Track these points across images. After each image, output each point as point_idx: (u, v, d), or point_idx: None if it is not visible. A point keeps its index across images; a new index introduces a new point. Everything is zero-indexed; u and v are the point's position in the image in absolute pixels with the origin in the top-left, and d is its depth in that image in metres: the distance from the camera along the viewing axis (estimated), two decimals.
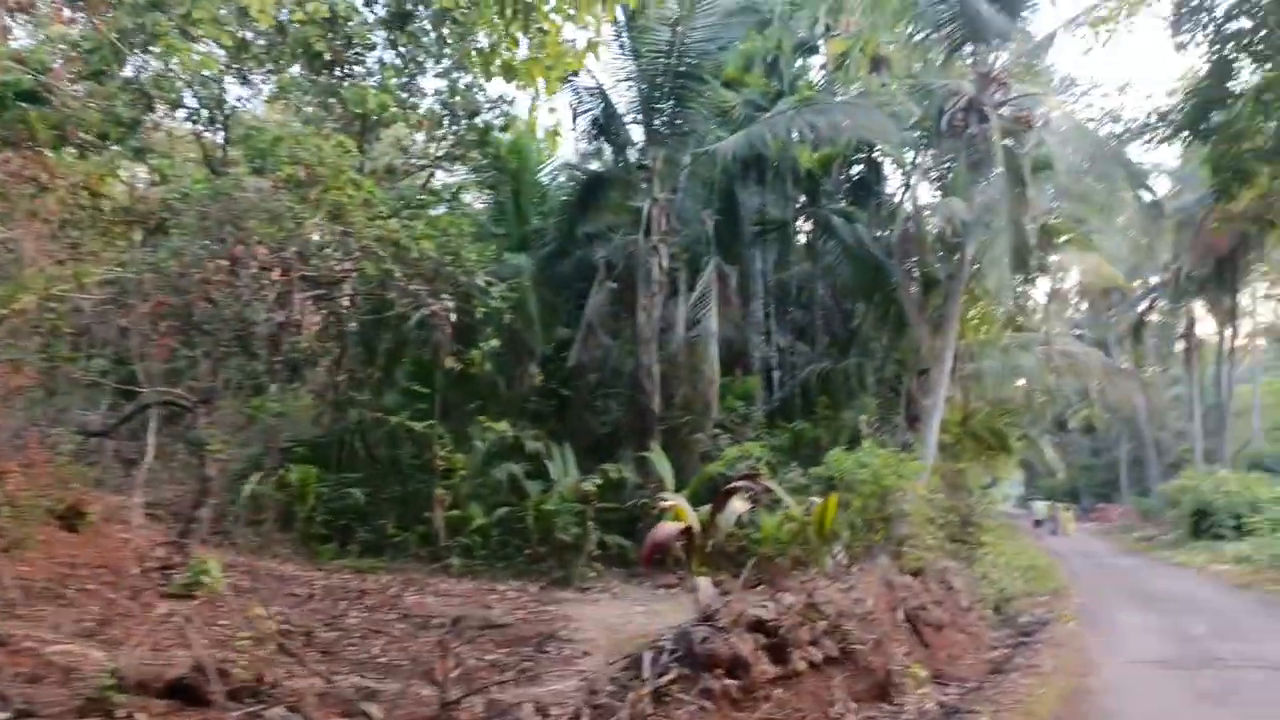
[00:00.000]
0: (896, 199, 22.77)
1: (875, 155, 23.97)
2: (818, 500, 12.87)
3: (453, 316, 13.64)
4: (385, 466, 17.61)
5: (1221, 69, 9.24)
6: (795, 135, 21.39)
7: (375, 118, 17.54)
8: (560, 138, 9.62)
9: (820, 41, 25.89)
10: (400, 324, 16.79)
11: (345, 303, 14.01)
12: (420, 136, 21.83)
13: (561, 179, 24.96)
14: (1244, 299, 37.90)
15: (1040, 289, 37.19)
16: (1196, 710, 8.06)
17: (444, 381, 17.26)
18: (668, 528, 10.12)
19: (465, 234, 15.83)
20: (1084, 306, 47.56)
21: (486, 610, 11.40)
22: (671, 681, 6.84)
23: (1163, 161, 33.98)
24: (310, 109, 17.59)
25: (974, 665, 11.13)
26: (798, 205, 22.58)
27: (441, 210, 19.01)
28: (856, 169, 24.96)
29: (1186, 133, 10.13)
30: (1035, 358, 21.02)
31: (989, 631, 13.34)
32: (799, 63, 25.90)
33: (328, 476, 16.30)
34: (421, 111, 19.10)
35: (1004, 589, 16.68)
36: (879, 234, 21.01)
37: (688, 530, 10.21)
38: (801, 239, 25.26)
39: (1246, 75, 9.42)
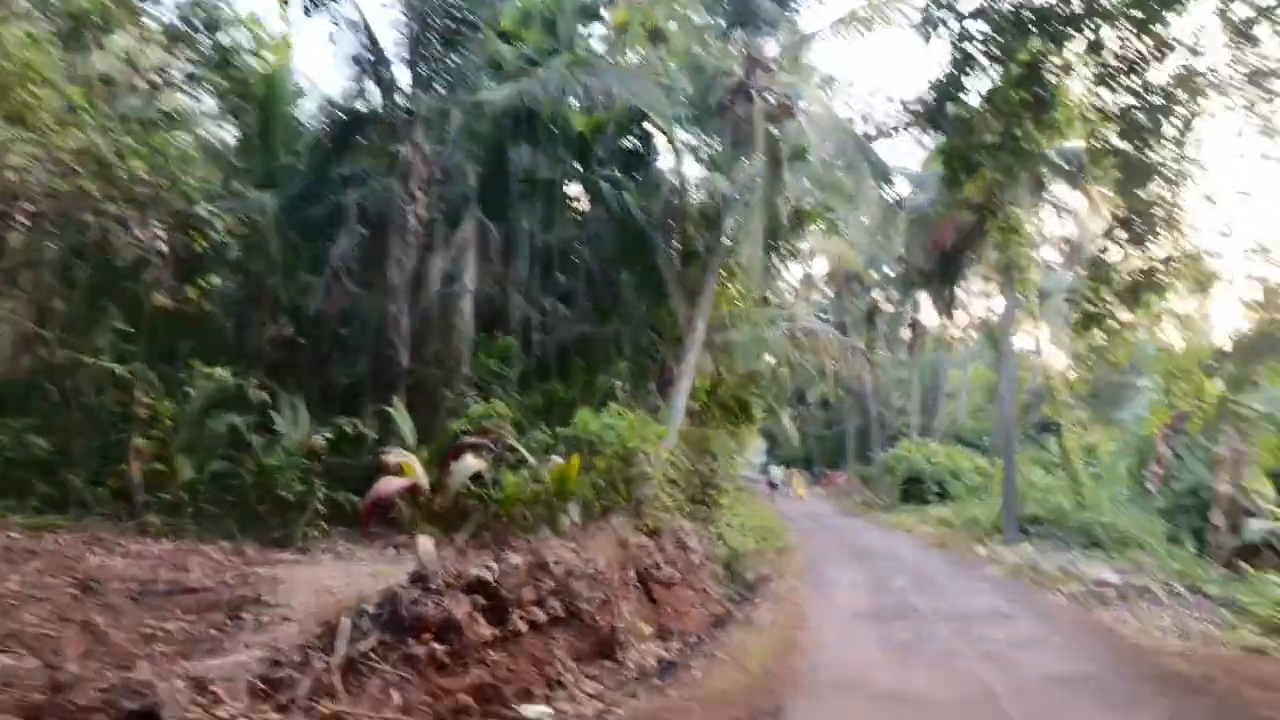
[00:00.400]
0: (664, 171, 23.02)
1: (647, 126, 24.09)
2: (561, 460, 12.75)
3: (164, 247, 12.05)
4: (87, 414, 15.51)
5: (960, 65, 9.83)
6: (572, 101, 21.12)
7: (93, 19, 15.28)
8: (291, 48, 8.62)
9: (603, 8, 25.64)
10: (107, 253, 14.77)
11: (27, 222, 11.97)
12: (156, 52, 19.38)
13: (319, 116, 23.19)
14: (961, 294, 42.25)
15: (792, 272, 39.57)
16: (890, 659, 8.62)
17: (162, 322, 15.45)
18: (390, 484, 9.49)
19: (189, 158, 14.11)
20: (829, 292, 51.15)
21: (183, 573, 10.24)
22: (371, 649, 6.35)
23: (904, 164, 36.83)
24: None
25: (700, 620, 11.43)
26: (567, 168, 22.23)
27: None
28: (629, 139, 25.03)
29: (926, 122, 10.72)
30: (781, 333, 22.10)
31: (717, 588, 13.80)
32: (580, 28, 25.50)
33: (6, 423, 14.07)
34: (155, 25, 16.95)
35: (736, 548, 17.45)
36: (645, 204, 21.14)
37: (414, 487, 9.63)
38: (570, 203, 25.07)
39: (982, 74, 10.08)
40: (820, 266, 47.27)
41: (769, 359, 27.67)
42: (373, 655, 6.31)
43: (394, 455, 10.43)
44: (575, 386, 19.97)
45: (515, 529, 10.84)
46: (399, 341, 17.19)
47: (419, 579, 7.16)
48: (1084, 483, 21.75)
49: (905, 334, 45.52)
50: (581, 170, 21.92)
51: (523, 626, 7.95)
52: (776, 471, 44.69)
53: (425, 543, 8.60)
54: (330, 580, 10.83)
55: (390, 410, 15.74)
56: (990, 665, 8.22)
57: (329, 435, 14.24)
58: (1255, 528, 16.28)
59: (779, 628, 10.27)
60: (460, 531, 11.07)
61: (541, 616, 8.35)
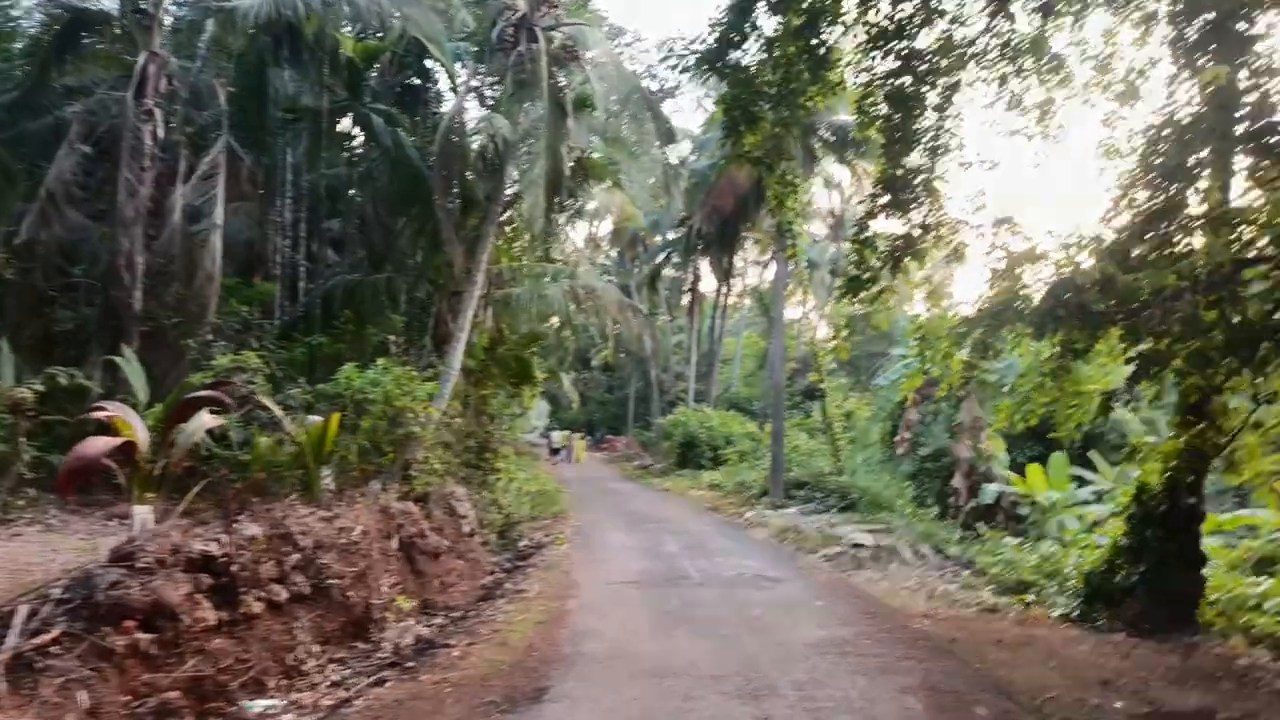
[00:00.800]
0: (445, 111, 21.70)
1: (427, 63, 22.67)
2: (320, 420, 11.60)
3: None
4: None
5: (740, 10, 9.65)
6: (345, 26, 19.33)
7: None
8: None
9: None
10: None
11: None
12: None
13: (38, 13, 19.98)
14: (738, 261, 43.75)
15: (577, 231, 39.26)
16: (659, 628, 8.41)
17: None
18: (95, 444, 8.07)
19: None
20: (613, 253, 51.45)
21: None
22: (53, 640, 5.23)
23: (687, 127, 37.30)
24: None
25: (468, 592, 10.85)
26: (336, 98, 20.38)
27: None
28: (408, 74, 23.48)
29: (707, 66, 10.48)
30: (562, 290, 21.61)
31: (489, 556, 13.27)
32: None
33: None
34: None
35: (510, 514, 16.95)
36: (423, 144, 19.82)
37: (130, 447, 8.28)
38: (342, 139, 23.22)
39: (764, 23, 9.98)
40: (605, 227, 47.33)
41: (554, 320, 27.22)
42: (55, 649, 5.19)
43: (107, 410, 8.90)
44: (343, 340, 18.53)
45: (262, 496, 9.66)
46: (130, 281, 15.07)
47: (123, 556, 6.03)
48: (842, 448, 23.05)
49: (685, 299, 46.64)
50: (352, 102, 20.16)
51: (258, 607, 7.00)
52: (558, 435, 44.57)
53: (142, 512, 7.41)
54: (30, 557, 9.19)
55: (119, 360, 13.75)
56: (754, 631, 8.23)
57: (38, 387, 12.17)
58: (991, 490, 17.88)
59: (549, 598, 9.86)
60: (203, 499, 9.76)
61: (283, 595, 7.43)
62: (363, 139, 22.52)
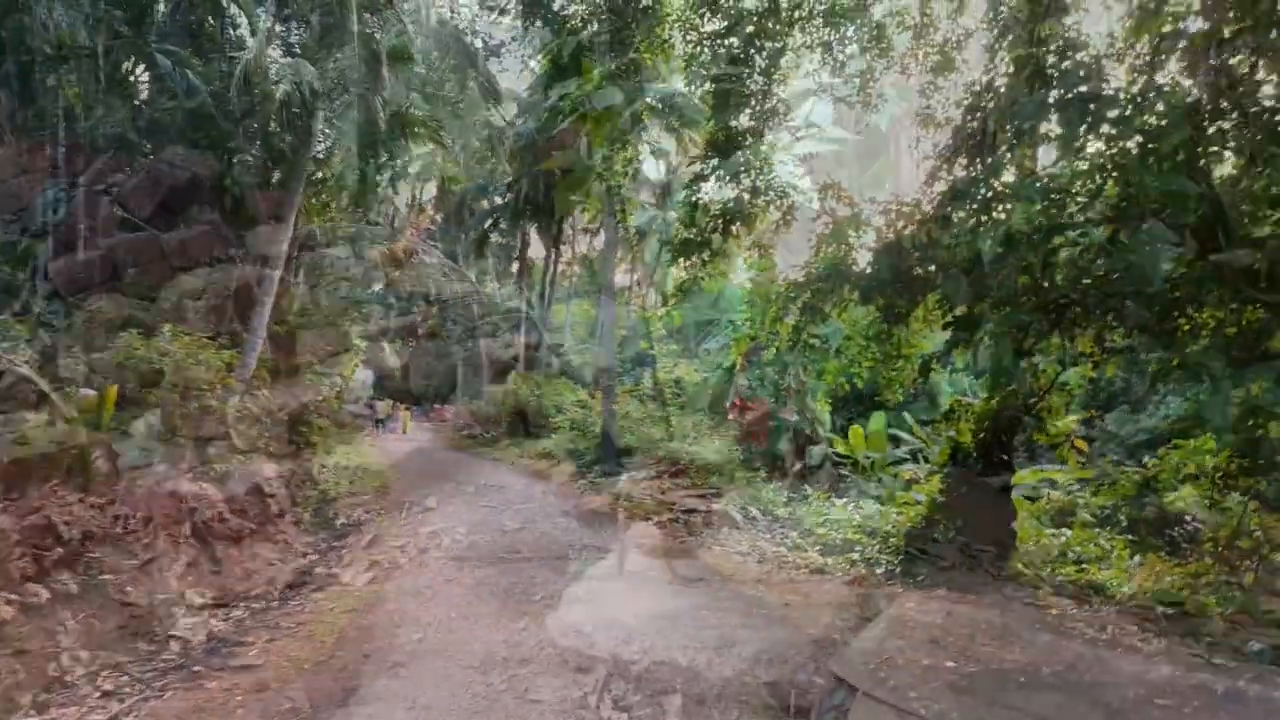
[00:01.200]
0: (245, 57, 19.84)
1: (223, 1, 20.65)
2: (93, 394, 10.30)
3: None
4: None
5: None
6: None
7: None
8: None
9: None
10: None
11: None
12: None
13: None
14: (567, 229, 43.06)
15: (400, 194, 37.42)
16: (485, 611, 7.89)
17: None
18: None
19: None
20: (439, 218, 49.59)
21: None
22: None
23: (514, 88, 36.19)
24: None
25: (275, 579, 9.92)
26: (118, 36, 18.13)
27: None
28: (201, 16, 21.29)
29: (529, 10, 9.96)
30: (382, 253, 20.44)
31: (303, 538, 12.28)
32: None
33: None
34: None
35: (327, 490, 15.87)
36: (220, 90, 18.00)
37: None
38: (126, 81, 20.81)
39: None
40: (430, 191, 45.59)
41: (375, 286, 25.86)
42: None
43: None
44: (130, 305, 16.71)
45: (18, 483, 8.39)
46: None
47: None
48: (672, 414, 23.16)
49: (514, 267, 45.63)
50: (135, 40, 18.04)
51: (9, 612, 6.02)
52: (382, 406, 42.77)
53: None
54: None
55: None
56: (589, 607, 7.88)
57: None
58: (816, 452, 18.39)
59: (366, 581, 9.13)
60: None
61: (43, 595, 6.44)
62: (150, 81, 20.30)
